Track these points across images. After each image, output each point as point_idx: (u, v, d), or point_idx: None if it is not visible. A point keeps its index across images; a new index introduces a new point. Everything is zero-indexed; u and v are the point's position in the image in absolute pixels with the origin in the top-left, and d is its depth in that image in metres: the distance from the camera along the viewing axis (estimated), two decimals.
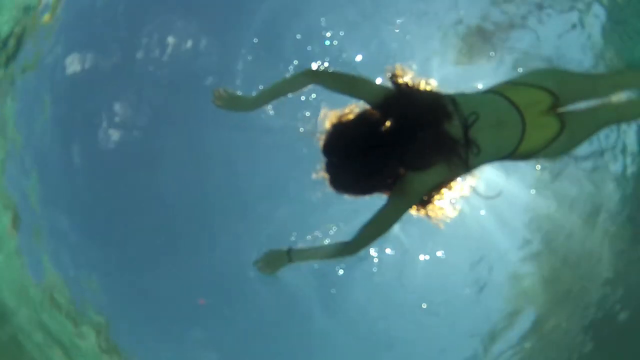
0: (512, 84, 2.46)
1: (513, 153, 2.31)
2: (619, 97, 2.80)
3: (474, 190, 2.34)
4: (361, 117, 2.08)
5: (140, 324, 10.01)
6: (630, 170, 6.77)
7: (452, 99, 2.14)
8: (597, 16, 5.87)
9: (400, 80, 2.15)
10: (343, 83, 2.16)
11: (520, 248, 8.38)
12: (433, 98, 2.11)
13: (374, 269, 8.89)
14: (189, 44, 8.91)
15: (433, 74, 7.28)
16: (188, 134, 9.18)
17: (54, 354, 9.28)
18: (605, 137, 6.44)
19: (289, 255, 2.23)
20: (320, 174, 2.16)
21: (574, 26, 6.11)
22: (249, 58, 8.18)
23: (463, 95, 2.24)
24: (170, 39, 8.81)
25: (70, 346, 9.29)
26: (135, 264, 9.94)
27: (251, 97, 2.22)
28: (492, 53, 6.84)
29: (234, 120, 7.61)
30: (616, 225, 7.36)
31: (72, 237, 9.30)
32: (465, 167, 2.14)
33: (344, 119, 2.09)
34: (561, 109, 2.50)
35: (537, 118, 2.31)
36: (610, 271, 7.58)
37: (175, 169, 9.48)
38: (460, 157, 2.05)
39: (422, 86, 2.18)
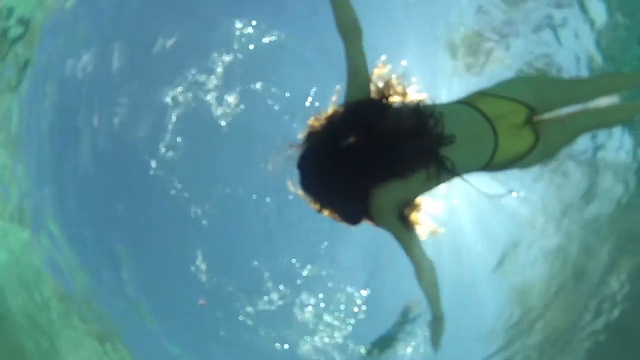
0: (484, 94, 2.36)
1: (486, 166, 2.27)
2: (604, 101, 2.72)
3: (481, 192, 2.26)
4: (326, 131, 1.99)
5: None
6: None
7: (437, 112, 2.05)
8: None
9: (383, 89, 2.08)
10: (357, 59, 2.07)
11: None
12: (408, 113, 2.03)
13: None
14: None
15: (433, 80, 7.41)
16: None
17: None
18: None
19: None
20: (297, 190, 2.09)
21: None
22: None
23: (441, 107, 2.16)
24: None
25: None
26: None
27: None
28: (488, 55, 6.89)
29: None
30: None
31: None
32: (437, 181, 2.07)
33: (313, 129, 2.02)
34: (538, 118, 2.47)
35: (510, 130, 2.26)
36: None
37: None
38: (430, 172, 1.99)
39: (404, 95, 2.10)
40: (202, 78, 8.99)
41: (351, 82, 2.06)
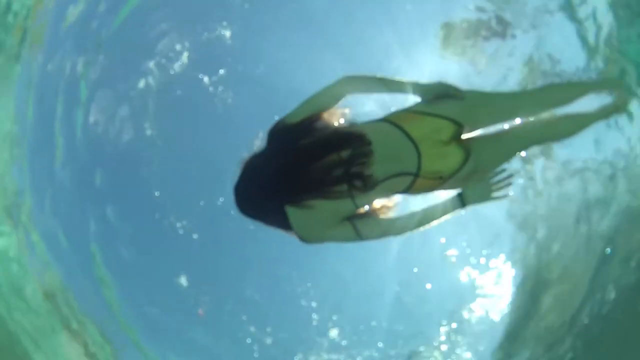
0: (408, 111, 2.25)
1: (409, 188, 2.16)
2: (547, 115, 2.56)
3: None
4: (255, 156, 2.01)
5: None
6: None
7: (364, 133, 2.02)
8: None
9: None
10: (327, 103, 2.11)
11: None
12: (329, 134, 2.02)
13: None
14: None
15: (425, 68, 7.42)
16: None
17: None
18: None
19: None
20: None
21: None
22: None
23: (361, 126, 2.11)
24: None
25: None
26: None
27: None
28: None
29: None
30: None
31: None
32: (365, 200, 2.03)
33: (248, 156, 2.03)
34: (470, 134, 2.34)
35: (436, 149, 2.15)
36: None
37: None
38: (343, 194, 1.94)
39: (331, 117, 2.08)
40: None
41: (300, 109, 2.04)
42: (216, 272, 10.31)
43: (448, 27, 6.97)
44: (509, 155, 2.42)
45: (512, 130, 2.49)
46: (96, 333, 9.65)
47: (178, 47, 8.91)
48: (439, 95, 2.26)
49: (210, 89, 9.01)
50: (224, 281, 10.26)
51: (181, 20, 8.96)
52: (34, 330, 9.27)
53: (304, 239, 1.98)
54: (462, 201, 2.09)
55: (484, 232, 8.52)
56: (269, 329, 10.14)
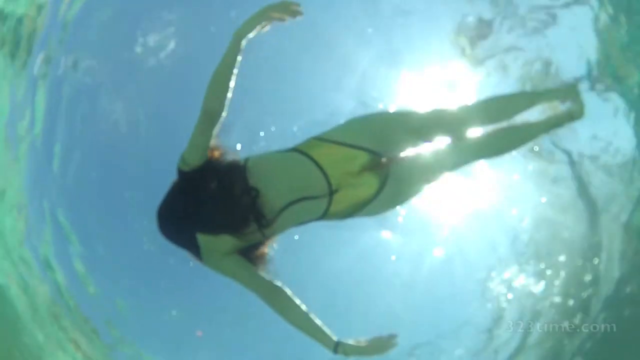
0: (320, 140, 2.22)
1: (324, 216, 2.16)
2: (475, 132, 2.38)
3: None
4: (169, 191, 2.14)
5: None
6: None
7: (244, 167, 2.05)
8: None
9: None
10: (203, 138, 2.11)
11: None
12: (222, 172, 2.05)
13: None
14: None
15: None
16: None
17: None
18: None
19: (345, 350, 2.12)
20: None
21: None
22: None
23: (261, 159, 2.13)
24: None
25: None
26: None
27: None
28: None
29: None
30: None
31: None
32: (262, 236, 2.07)
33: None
34: (389, 159, 2.27)
35: (348, 178, 2.12)
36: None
37: None
38: (241, 230, 2.01)
39: (222, 155, 2.11)
40: None
41: (187, 151, 2.07)
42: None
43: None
44: (430, 178, 2.33)
45: (440, 150, 2.36)
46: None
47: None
48: (349, 123, 2.29)
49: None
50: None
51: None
52: None
53: (205, 263, 2.11)
54: (337, 347, 2.08)
55: None
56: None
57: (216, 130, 2.04)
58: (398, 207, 2.33)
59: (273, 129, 8.07)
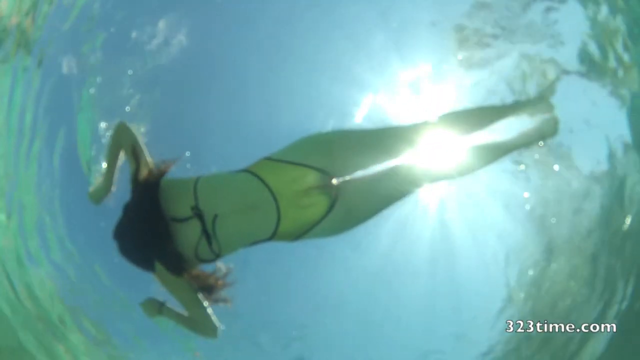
0: (269, 160, 2.23)
1: (273, 236, 2.15)
2: (439, 150, 2.33)
3: None
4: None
5: None
6: None
7: (194, 188, 2.08)
8: None
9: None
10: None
11: None
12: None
13: None
14: None
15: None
16: None
17: None
18: None
19: (160, 309, 2.29)
20: None
21: None
22: None
23: (211, 179, 2.15)
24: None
25: None
26: None
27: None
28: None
29: None
30: None
31: None
32: (213, 255, 2.12)
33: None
34: (342, 179, 2.24)
35: (297, 198, 2.12)
36: None
37: None
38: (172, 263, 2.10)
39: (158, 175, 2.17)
40: None
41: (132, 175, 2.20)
42: None
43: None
44: (385, 199, 2.26)
45: (394, 170, 2.30)
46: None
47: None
48: (300, 142, 2.28)
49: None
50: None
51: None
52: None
53: (161, 282, 2.20)
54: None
55: None
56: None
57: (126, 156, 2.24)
58: (353, 228, 2.24)
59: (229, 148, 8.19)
